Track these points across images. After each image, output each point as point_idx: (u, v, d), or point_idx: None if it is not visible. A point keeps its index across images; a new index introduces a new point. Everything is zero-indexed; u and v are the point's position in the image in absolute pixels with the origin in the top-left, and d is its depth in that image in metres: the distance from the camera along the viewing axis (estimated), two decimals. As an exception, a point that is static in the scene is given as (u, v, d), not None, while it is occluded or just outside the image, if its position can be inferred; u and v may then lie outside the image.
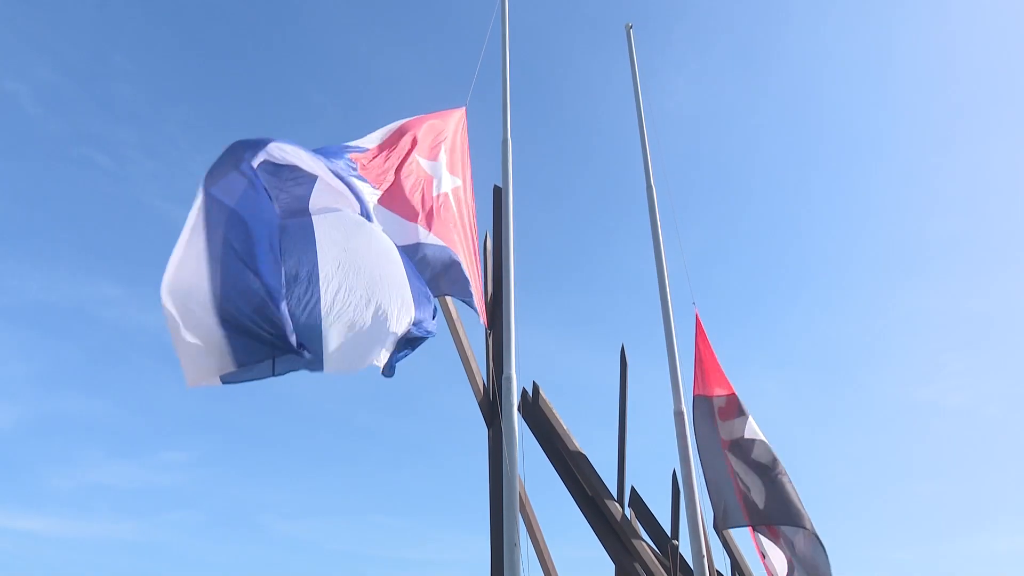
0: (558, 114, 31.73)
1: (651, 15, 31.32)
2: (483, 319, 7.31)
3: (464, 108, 7.90)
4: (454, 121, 7.70)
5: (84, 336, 28.64)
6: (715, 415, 9.10)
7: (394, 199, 6.68)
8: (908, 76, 33.97)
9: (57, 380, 28.08)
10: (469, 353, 8.21)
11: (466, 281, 6.87)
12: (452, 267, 6.78)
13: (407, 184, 6.82)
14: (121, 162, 30.03)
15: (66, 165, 29.15)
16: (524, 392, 8.77)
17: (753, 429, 9.09)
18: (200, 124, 30.72)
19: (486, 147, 8.09)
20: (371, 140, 6.85)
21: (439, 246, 6.74)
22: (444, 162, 7.46)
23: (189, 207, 4.21)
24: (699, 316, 9.34)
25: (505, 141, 7.93)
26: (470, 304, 6.87)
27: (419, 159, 7.13)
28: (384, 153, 6.86)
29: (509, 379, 7.00)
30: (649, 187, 8.92)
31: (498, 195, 8.29)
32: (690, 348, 9.24)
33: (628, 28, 9.74)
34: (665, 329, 8.96)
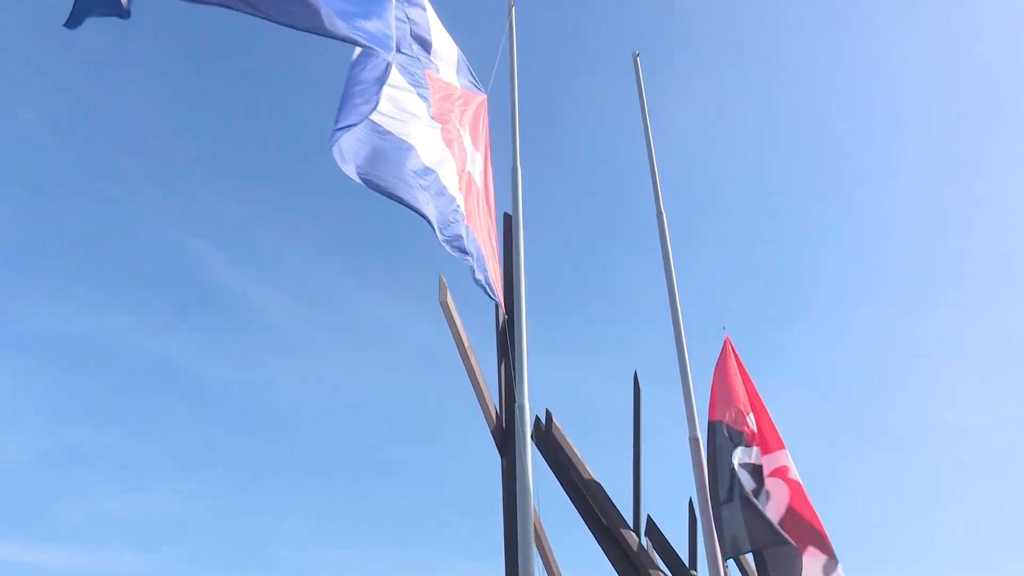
0: (566, 140, 31.97)
1: (656, 42, 31.45)
2: (501, 305, 7.63)
3: (486, 95, 8.11)
4: (477, 104, 7.91)
5: (96, 366, 28.79)
6: (736, 441, 8.91)
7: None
8: (919, 97, 34.03)
9: (69, 411, 28.23)
10: (481, 381, 8.15)
11: (483, 262, 7.17)
12: (472, 242, 7.06)
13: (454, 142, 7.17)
14: (133, 192, 30.44)
15: (79, 196, 29.62)
16: (537, 420, 8.69)
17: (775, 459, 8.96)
18: (210, 154, 31.16)
19: (495, 174, 8.14)
20: (444, 63, 7.29)
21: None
22: (469, 141, 7.65)
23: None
24: (730, 341, 9.24)
25: (515, 168, 7.95)
26: (485, 289, 7.14)
27: (460, 129, 7.42)
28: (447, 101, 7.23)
29: (522, 407, 6.94)
30: (659, 212, 8.93)
31: (508, 222, 8.29)
32: (706, 374, 9.16)
33: (635, 56, 9.82)
34: (678, 354, 8.90)
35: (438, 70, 7.19)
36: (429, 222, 6.19)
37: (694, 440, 8.39)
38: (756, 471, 8.75)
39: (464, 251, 6.82)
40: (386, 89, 5.81)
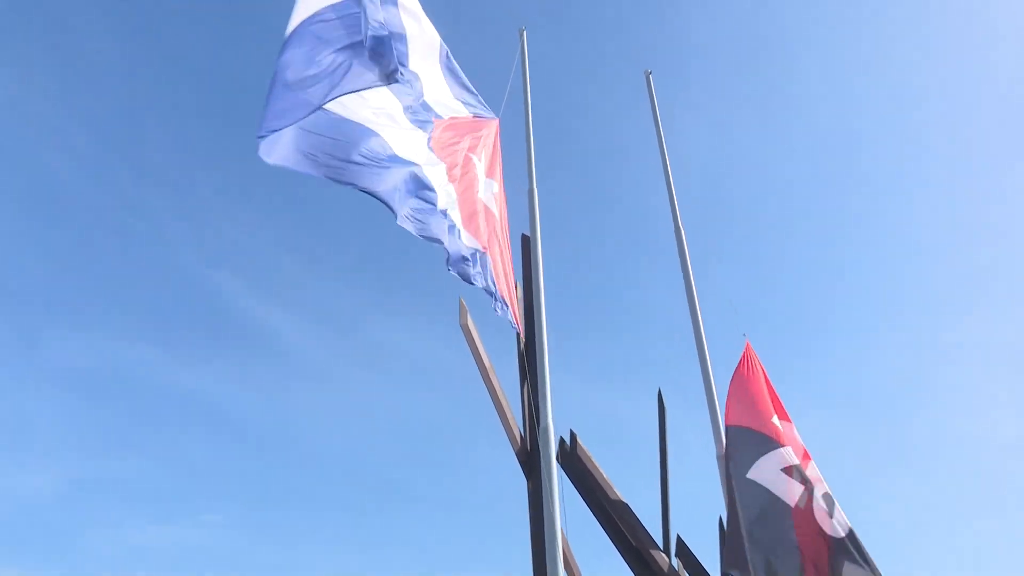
0: (581, 160, 32.06)
1: (667, 59, 31.50)
2: (518, 327, 7.57)
3: (497, 120, 8.15)
4: (489, 129, 7.95)
5: (123, 399, 29.15)
6: (762, 445, 8.65)
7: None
8: (945, 103, 33.68)
9: (97, 443, 28.53)
10: (504, 404, 8.11)
11: (496, 289, 7.19)
12: (486, 268, 7.08)
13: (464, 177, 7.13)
14: (156, 226, 30.95)
15: (103, 231, 30.25)
16: (562, 442, 8.62)
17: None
18: (232, 186, 31.66)
19: (511, 196, 8.17)
20: (448, 103, 7.24)
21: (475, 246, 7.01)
22: (484, 167, 7.66)
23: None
24: (751, 347, 9.06)
25: (531, 190, 7.98)
26: (501, 310, 7.17)
27: (472, 157, 7.41)
28: (452, 130, 7.24)
29: (547, 429, 6.90)
30: (677, 228, 8.91)
31: (526, 244, 8.29)
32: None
33: (647, 75, 9.87)
34: (702, 370, 8.84)
35: (442, 111, 7.17)
36: (385, 203, 5.87)
37: (722, 458, 8.28)
38: (797, 472, 8.43)
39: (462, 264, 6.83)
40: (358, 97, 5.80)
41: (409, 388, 31.89)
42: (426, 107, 6.72)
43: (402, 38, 6.46)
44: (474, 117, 7.60)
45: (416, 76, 6.62)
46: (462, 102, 7.47)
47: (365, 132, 5.77)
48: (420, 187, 6.18)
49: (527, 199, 7.92)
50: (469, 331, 7.78)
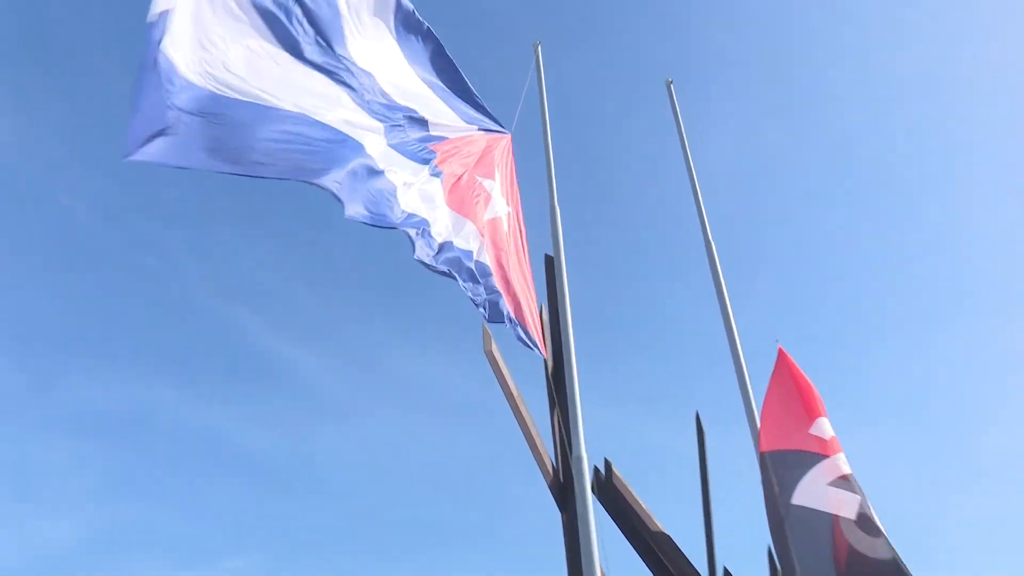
0: (602, 175, 31.47)
1: (689, 69, 30.76)
2: (543, 351, 7.24)
3: (509, 136, 7.85)
4: (501, 147, 7.64)
5: (142, 442, 28.75)
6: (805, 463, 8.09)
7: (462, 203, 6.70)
8: (985, 101, 32.55)
9: (117, 489, 28.15)
10: (534, 433, 7.76)
11: (516, 315, 6.90)
12: (498, 294, 6.79)
13: (469, 191, 6.85)
14: (170, 264, 30.92)
15: (117, 272, 30.13)
16: (596, 471, 8.23)
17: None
18: (245, 219, 31.53)
19: (531, 214, 7.88)
20: (450, 125, 6.90)
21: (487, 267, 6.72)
22: (498, 185, 7.33)
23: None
24: (784, 352, 8.50)
25: (553, 208, 7.70)
26: (524, 338, 6.92)
27: (478, 178, 7.07)
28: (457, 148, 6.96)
29: (580, 458, 6.59)
30: (707, 242, 8.54)
31: (550, 264, 7.98)
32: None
33: (668, 84, 9.58)
34: (741, 390, 8.43)
35: (446, 133, 6.84)
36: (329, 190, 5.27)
37: (768, 488, 7.81)
38: (847, 482, 7.84)
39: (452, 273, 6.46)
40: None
41: (436, 421, 31.04)
42: (416, 123, 6.46)
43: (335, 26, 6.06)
44: (484, 132, 7.34)
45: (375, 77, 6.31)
46: (464, 119, 7.19)
47: (277, 113, 5.15)
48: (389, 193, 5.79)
49: (548, 218, 7.64)
50: (494, 358, 7.48)
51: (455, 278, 6.32)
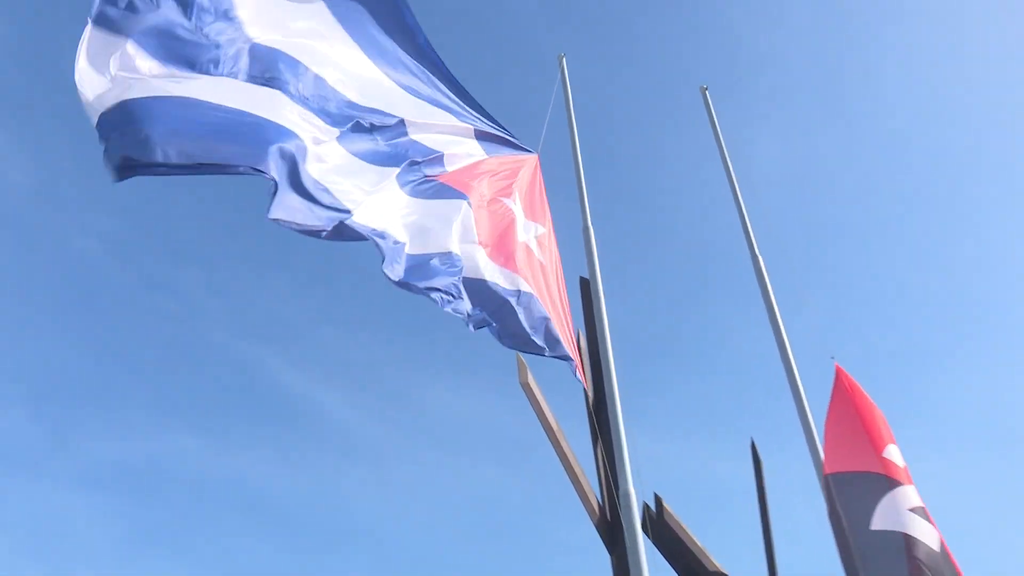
0: (636, 190, 30.01)
1: (723, 74, 29.66)
2: (584, 382, 6.86)
3: (536, 156, 7.42)
4: (527, 167, 7.18)
5: (164, 494, 27.25)
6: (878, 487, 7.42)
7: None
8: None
9: (139, 544, 26.81)
10: (577, 469, 7.27)
11: (557, 340, 6.49)
12: (542, 321, 6.38)
13: (494, 214, 6.42)
14: (188, 304, 30.16)
15: (134, 314, 29.23)
16: (646, 508, 7.69)
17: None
18: (261, 254, 30.77)
19: (561, 235, 7.43)
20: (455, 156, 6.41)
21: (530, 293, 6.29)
22: (521, 208, 6.86)
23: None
24: (842, 371, 7.87)
25: (586, 228, 7.28)
26: (564, 360, 6.54)
27: (501, 199, 6.68)
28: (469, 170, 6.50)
29: (627, 495, 6.16)
30: (754, 257, 8.02)
31: (586, 288, 7.54)
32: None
33: (703, 90, 9.13)
34: (799, 414, 7.85)
35: (455, 159, 6.40)
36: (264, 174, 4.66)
37: (835, 513, 7.19)
38: (928, 517, 7.18)
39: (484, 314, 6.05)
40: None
41: (472, 460, 29.47)
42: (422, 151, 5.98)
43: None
44: (508, 157, 6.92)
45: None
46: (482, 143, 6.75)
47: (245, 117, 4.72)
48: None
49: (582, 239, 7.20)
50: (531, 390, 7.05)
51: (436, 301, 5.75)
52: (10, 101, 24.98)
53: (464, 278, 5.62)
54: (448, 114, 6.60)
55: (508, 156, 6.96)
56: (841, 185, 29.63)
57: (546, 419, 7.24)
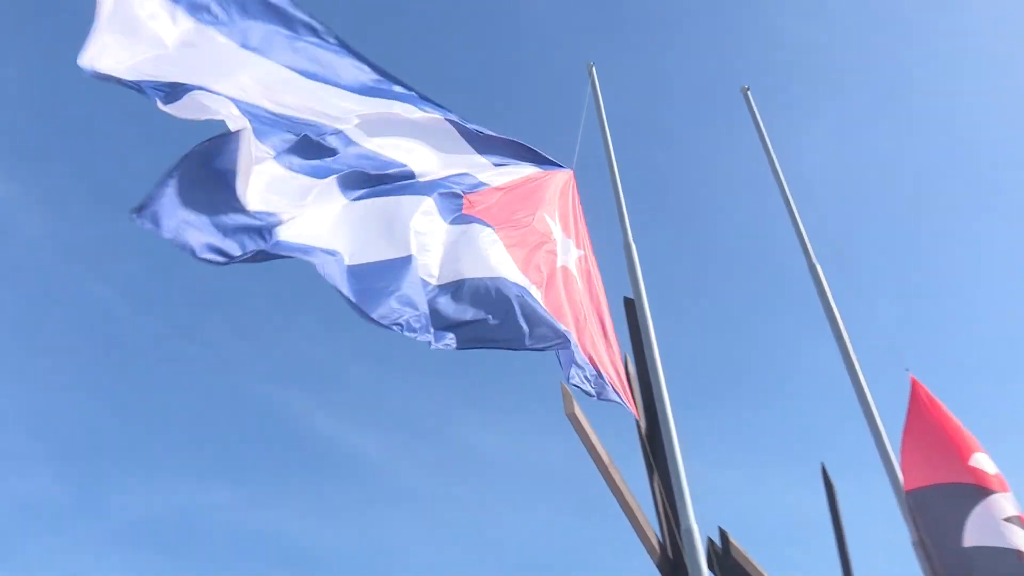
0: (675, 202, 28.40)
1: (763, 73, 27.67)
2: (633, 409, 6.44)
3: (571, 171, 6.97)
4: (560, 182, 6.71)
5: (198, 549, 25.83)
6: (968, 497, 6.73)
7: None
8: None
9: None
10: (633, 505, 6.76)
11: (599, 376, 6.07)
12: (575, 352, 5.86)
13: (529, 240, 5.96)
14: (214, 349, 29.23)
15: (160, 363, 27.94)
16: (711, 543, 7.13)
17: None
18: (287, 295, 29.80)
19: (599, 253, 6.95)
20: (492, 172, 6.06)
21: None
22: (559, 228, 6.44)
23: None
24: (917, 382, 7.23)
25: (627, 245, 6.82)
26: (612, 397, 6.13)
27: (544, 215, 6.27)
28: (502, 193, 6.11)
29: (690, 531, 5.62)
30: (812, 266, 7.44)
31: (631, 308, 7.06)
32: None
33: (745, 91, 8.62)
34: (871, 430, 7.24)
35: (483, 184, 5.98)
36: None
37: (919, 544, 6.53)
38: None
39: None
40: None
41: (519, 499, 27.04)
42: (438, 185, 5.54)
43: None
44: (537, 174, 6.50)
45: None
46: (502, 163, 6.32)
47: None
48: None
49: (624, 257, 6.73)
50: (578, 422, 6.58)
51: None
52: (21, 150, 24.49)
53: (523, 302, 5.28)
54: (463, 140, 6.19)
55: (537, 172, 6.54)
56: (903, 181, 27.60)
57: (596, 452, 6.75)
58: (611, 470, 6.75)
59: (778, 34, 27.46)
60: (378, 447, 29.95)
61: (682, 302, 25.41)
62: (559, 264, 6.24)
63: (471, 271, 5.22)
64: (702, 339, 26.87)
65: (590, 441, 6.60)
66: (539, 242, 6.00)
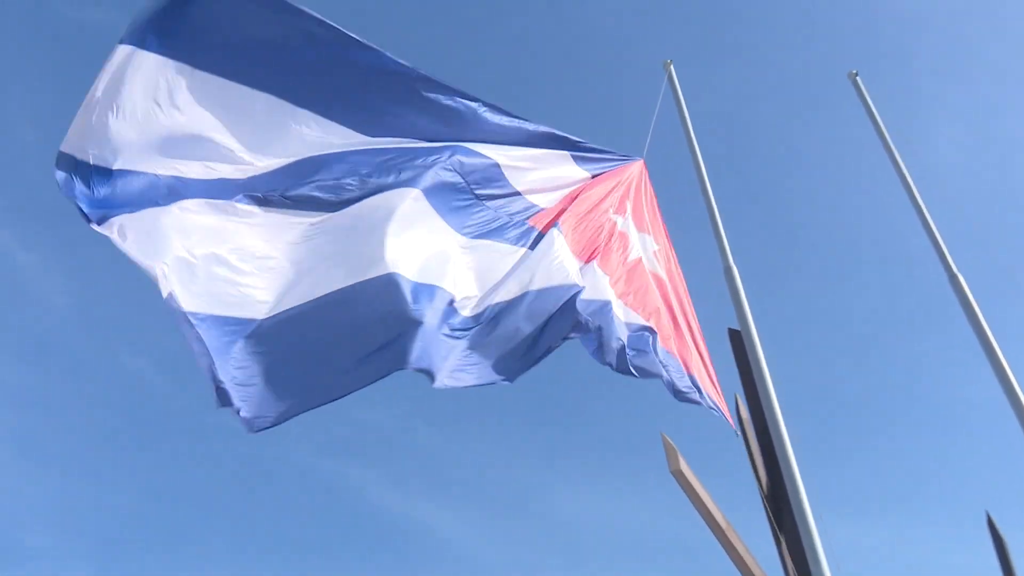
0: (777, 213, 24.84)
1: (871, 56, 22.77)
2: (730, 421, 5.93)
3: (642, 160, 6.55)
4: (633, 174, 6.34)
5: None
6: None
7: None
8: None
9: None
10: (757, 571, 5.79)
11: (691, 382, 5.76)
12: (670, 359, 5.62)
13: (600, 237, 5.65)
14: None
15: (201, 439, 24.96)
16: (854, 612, 6.07)
17: None
18: None
19: (692, 281, 6.06)
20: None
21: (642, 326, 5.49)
22: (632, 221, 6.13)
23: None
24: None
25: (728, 268, 5.93)
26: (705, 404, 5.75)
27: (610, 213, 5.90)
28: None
29: None
30: (952, 276, 6.28)
31: (737, 341, 6.12)
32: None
33: (853, 76, 7.56)
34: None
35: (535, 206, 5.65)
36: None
37: None
38: None
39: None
40: None
41: (619, 569, 23.37)
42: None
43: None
44: (600, 174, 5.91)
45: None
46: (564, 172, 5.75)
47: None
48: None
49: (725, 282, 5.82)
50: (685, 478, 5.67)
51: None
52: (44, 216, 21.81)
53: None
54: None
55: (612, 171, 6.01)
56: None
57: (708, 512, 5.81)
58: (729, 534, 5.80)
59: (881, 5, 23.63)
60: (452, 520, 26.44)
61: (789, 329, 21.99)
62: (630, 259, 5.85)
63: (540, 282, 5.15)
64: (819, 370, 23.29)
65: (700, 500, 5.70)
66: (615, 238, 5.71)
